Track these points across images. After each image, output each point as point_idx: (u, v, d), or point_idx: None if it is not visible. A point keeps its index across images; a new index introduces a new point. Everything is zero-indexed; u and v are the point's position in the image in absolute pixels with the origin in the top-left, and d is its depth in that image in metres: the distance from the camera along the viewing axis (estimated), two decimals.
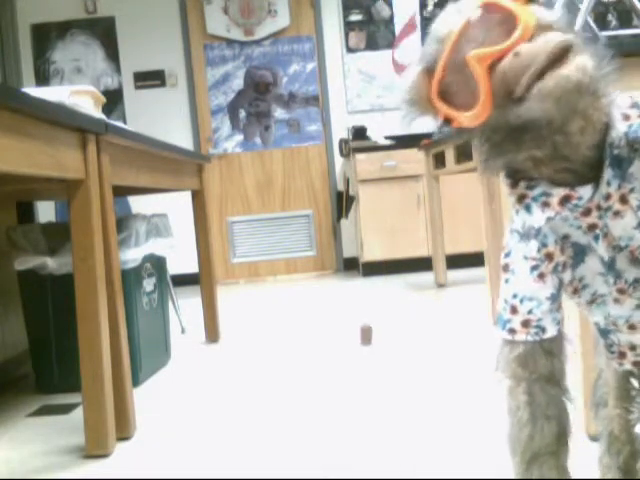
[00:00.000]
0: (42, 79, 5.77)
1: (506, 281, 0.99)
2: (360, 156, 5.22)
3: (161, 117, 5.81)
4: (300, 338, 3.10)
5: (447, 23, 0.87)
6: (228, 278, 5.87)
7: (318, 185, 5.88)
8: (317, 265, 5.91)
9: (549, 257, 0.95)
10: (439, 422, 1.79)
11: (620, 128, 0.86)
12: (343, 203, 5.50)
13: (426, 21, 5.76)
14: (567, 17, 0.85)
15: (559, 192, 0.89)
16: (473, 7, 0.86)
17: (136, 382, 2.43)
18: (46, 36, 5.76)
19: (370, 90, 5.79)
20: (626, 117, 0.87)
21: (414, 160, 5.15)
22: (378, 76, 5.79)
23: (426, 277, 4.92)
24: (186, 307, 4.33)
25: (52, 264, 2.33)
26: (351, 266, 5.88)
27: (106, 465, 1.70)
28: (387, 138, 5.43)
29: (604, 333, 1.05)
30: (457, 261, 5.06)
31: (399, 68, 5.78)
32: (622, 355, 1.05)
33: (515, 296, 0.97)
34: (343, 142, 5.56)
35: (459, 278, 4.67)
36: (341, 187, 5.75)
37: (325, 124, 5.83)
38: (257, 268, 5.89)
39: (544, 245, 0.95)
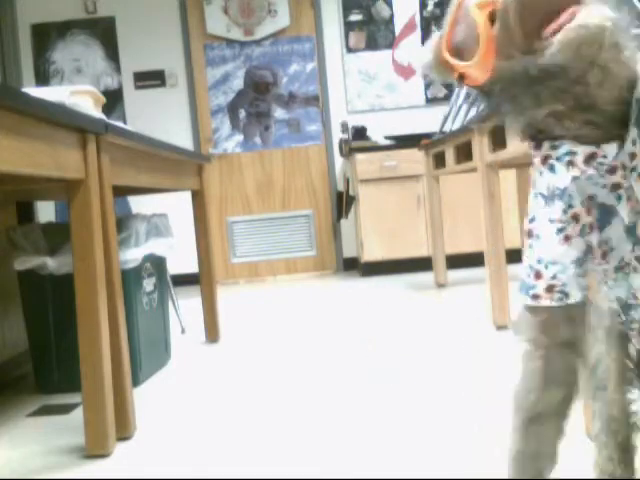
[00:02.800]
0: (42, 79, 5.77)
1: (530, 246, 0.97)
2: (360, 156, 5.22)
3: (161, 117, 5.81)
4: (300, 338, 3.10)
5: None
6: (228, 278, 5.87)
7: (318, 185, 5.88)
8: (317, 265, 5.91)
9: (575, 218, 0.92)
10: (439, 423, 1.79)
11: None
12: (343, 203, 5.50)
13: (426, 21, 5.76)
14: None
15: (584, 150, 0.87)
16: None
17: (136, 382, 2.43)
18: (46, 36, 5.76)
19: (370, 90, 5.79)
20: None
21: (414, 160, 5.15)
22: (378, 76, 5.79)
23: (426, 277, 4.92)
24: (186, 307, 4.33)
25: (52, 264, 2.33)
26: (351, 266, 5.88)
27: (106, 465, 1.70)
28: (387, 138, 5.43)
29: (625, 309, 1.03)
30: (457, 261, 5.06)
31: (399, 68, 5.78)
32: None
33: (540, 261, 0.95)
34: (343, 142, 5.56)
35: (459, 278, 4.67)
36: (341, 187, 5.75)
37: (325, 124, 5.83)
38: (257, 268, 5.89)
39: (570, 206, 0.92)
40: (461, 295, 3.93)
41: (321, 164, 5.87)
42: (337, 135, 5.80)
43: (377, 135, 5.71)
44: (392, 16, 5.77)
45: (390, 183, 5.23)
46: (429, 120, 5.68)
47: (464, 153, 3.41)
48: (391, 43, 5.78)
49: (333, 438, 1.74)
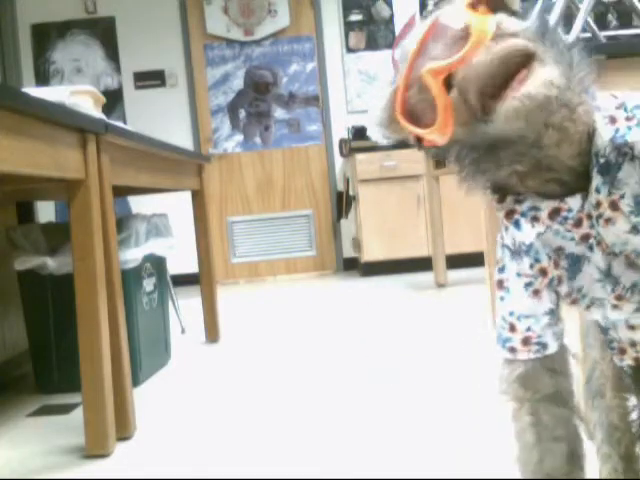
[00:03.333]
0: (42, 79, 5.77)
1: (501, 299, 0.96)
2: (360, 156, 5.22)
3: (161, 117, 5.81)
4: (300, 338, 3.10)
5: (411, 40, 0.86)
6: (228, 278, 5.87)
7: (318, 185, 5.88)
8: (317, 265, 5.91)
9: (543, 273, 0.92)
10: (439, 423, 1.79)
11: (605, 135, 0.82)
12: (343, 203, 5.50)
13: None
14: (541, 25, 0.82)
15: (548, 205, 0.87)
16: (428, 23, 0.85)
17: (136, 382, 2.43)
18: (46, 36, 5.76)
19: (370, 90, 5.79)
20: (612, 120, 0.83)
21: (414, 160, 5.15)
22: (378, 76, 5.79)
23: (426, 277, 4.92)
24: (186, 307, 4.33)
25: (52, 264, 2.33)
26: (351, 266, 5.88)
27: (106, 465, 1.70)
28: (387, 138, 5.43)
29: (604, 330, 1.03)
30: (457, 261, 5.06)
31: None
32: (622, 351, 1.03)
33: (512, 314, 0.94)
34: (343, 141, 5.56)
35: (459, 278, 4.67)
36: (341, 187, 5.75)
37: (325, 124, 5.83)
38: (257, 268, 5.89)
39: (537, 261, 0.92)
40: (461, 295, 3.93)
41: (321, 164, 5.87)
42: (337, 135, 5.80)
43: (377, 135, 5.70)
44: (392, 16, 5.77)
45: (390, 183, 5.23)
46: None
47: None
48: (391, 43, 5.78)
49: (333, 438, 1.74)
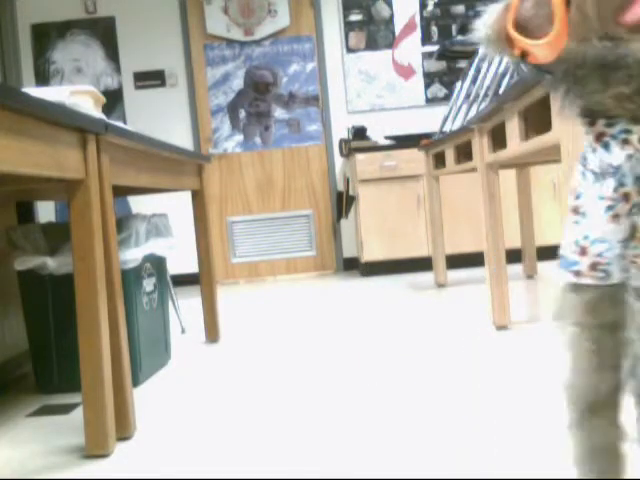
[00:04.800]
0: (42, 79, 5.77)
1: (576, 222, 0.96)
2: (360, 156, 5.22)
3: (161, 117, 5.81)
4: (300, 338, 3.10)
5: None
6: (228, 278, 5.87)
7: (318, 185, 5.88)
8: (317, 265, 5.91)
9: (626, 197, 0.92)
10: (438, 423, 1.79)
11: None
12: (343, 203, 5.50)
13: (426, 21, 5.76)
14: None
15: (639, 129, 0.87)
16: None
17: (136, 382, 2.43)
18: (46, 36, 5.76)
19: (370, 90, 5.79)
20: None
21: (414, 160, 5.15)
22: (378, 76, 5.79)
23: (426, 277, 4.92)
24: (186, 307, 4.33)
25: (52, 264, 2.33)
26: (351, 266, 5.88)
27: (106, 465, 1.70)
28: (387, 138, 5.43)
29: None
30: (457, 261, 5.06)
31: (399, 68, 5.78)
32: None
33: (586, 237, 0.94)
34: (343, 141, 5.56)
35: (459, 278, 4.67)
36: (341, 187, 5.75)
37: (325, 124, 5.83)
38: (257, 268, 5.89)
39: (621, 185, 0.92)
40: (461, 295, 3.93)
41: (321, 164, 5.87)
42: (337, 135, 5.80)
43: (377, 135, 5.71)
44: (392, 16, 5.77)
45: (390, 183, 5.23)
46: (429, 120, 5.68)
47: (464, 153, 3.41)
48: (391, 43, 5.78)
49: (333, 438, 1.74)
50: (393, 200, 5.24)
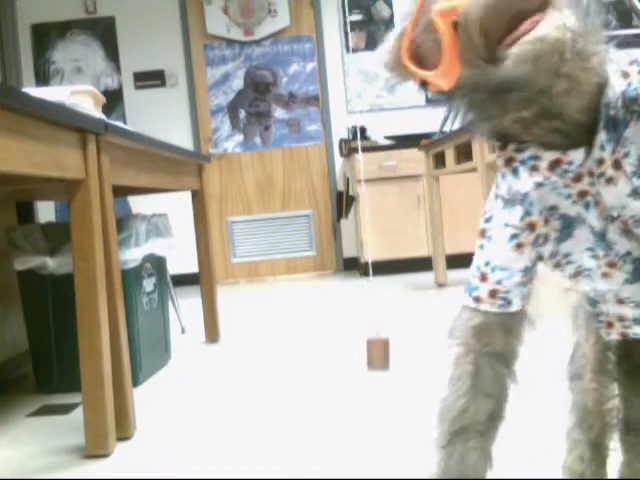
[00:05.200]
0: (42, 79, 5.77)
1: (481, 247, 0.95)
2: (360, 156, 5.22)
3: (161, 117, 5.81)
4: (300, 338, 3.10)
5: None
6: (228, 278, 5.87)
7: (318, 185, 5.88)
8: (317, 265, 5.91)
9: (531, 227, 0.91)
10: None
11: (617, 87, 0.80)
12: (343, 203, 5.50)
13: None
14: None
15: (549, 156, 0.85)
16: None
17: (136, 382, 2.44)
18: (46, 36, 5.76)
19: (370, 90, 5.79)
20: (625, 75, 0.81)
21: (414, 160, 5.15)
22: (378, 76, 5.79)
23: (426, 277, 4.92)
24: (186, 307, 4.33)
25: (52, 264, 2.33)
26: (351, 266, 5.88)
27: (106, 465, 1.70)
28: (387, 138, 5.43)
29: (592, 302, 1.01)
30: (457, 261, 5.06)
31: None
32: (610, 325, 1.02)
33: (487, 264, 0.94)
34: (343, 141, 5.56)
35: (459, 278, 4.67)
36: (341, 187, 5.75)
37: (325, 124, 5.83)
38: (257, 268, 5.89)
39: (528, 214, 0.90)
40: (461, 295, 3.92)
41: (321, 164, 5.87)
42: (337, 135, 5.80)
43: (377, 135, 5.71)
44: (392, 16, 5.77)
45: (390, 183, 5.23)
46: (429, 120, 5.68)
47: (464, 153, 3.41)
48: None
49: (332, 438, 1.74)
50: (393, 200, 5.24)
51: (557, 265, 0.94)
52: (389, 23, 5.77)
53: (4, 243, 2.49)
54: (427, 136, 4.85)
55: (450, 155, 3.64)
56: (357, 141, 5.39)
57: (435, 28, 0.80)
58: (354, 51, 5.79)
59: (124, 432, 1.87)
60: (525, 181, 0.88)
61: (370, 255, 5.13)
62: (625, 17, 5.61)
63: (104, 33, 5.77)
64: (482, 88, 0.80)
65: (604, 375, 1.09)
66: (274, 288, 5.21)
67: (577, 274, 0.94)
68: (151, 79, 5.79)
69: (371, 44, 5.79)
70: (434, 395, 2.07)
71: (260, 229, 5.87)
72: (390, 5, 5.77)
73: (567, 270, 0.94)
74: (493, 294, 0.93)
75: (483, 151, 2.86)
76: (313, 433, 1.80)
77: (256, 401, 2.15)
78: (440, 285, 4.36)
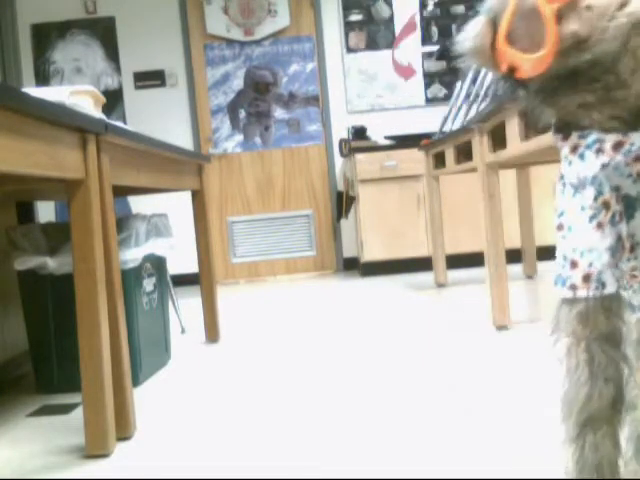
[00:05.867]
0: (42, 79, 5.77)
1: (563, 237, 0.98)
2: (360, 156, 5.22)
3: (161, 117, 5.81)
4: (300, 338, 3.10)
5: None
6: (228, 278, 5.87)
7: (318, 185, 5.88)
8: (317, 265, 5.91)
9: (606, 205, 0.94)
10: (438, 423, 1.79)
11: None
12: (343, 203, 5.50)
13: (426, 21, 5.76)
14: None
15: (612, 138, 0.90)
16: None
17: (136, 382, 2.43)
18: (46, 36, 5.76)
19: (370, 90, 5.79)
20: None
21: (414, 160, 5.15)
22: (378, 76, 5.79)
23: (426, 277, 4.92)
24: (186, 307, 4.33)
25: (52, 264, 2.33)
26: (351, 266, 5.88)
27: (106, 465, 1.70)
28: (387, 138, 5.43)
29: None
30: (457, 261, 5.06)
31: (399, 68, 5.78)
32: None
33: (574, 250, 0.96)
34: (343, 141, 5.56)
35: (459, 278, 4.67)
36: (341, 187, 5.75)
37: (325, 124, 5.83)
38: (257, 268, 5.89)
39: (600, 193, 0.94)
40: (461, 295, 3.93)
41: (321, 164, 5.87)
42: (337, 135, 5.80)
43: (377, 135, 5.71)
44: (392, 16, 5.77)
45: (390, 183, 5.23)
46: (429, 120, 5.68)
47: (464, 153, 3.41)
48: (391, 43, 5.78)
49: (333, 438, 1.74)
50: (393, 200, 5.24)
51: (632, 249, 0.96)
52: (389, 23, 5.77)
53: (4, 243, 2.49)
54: (427, 136, 4.85)
55: (450, 155, 3.64)
56: (357, 141, 5.40)
57: (537, 17, 0.83)
58: (354, 51, 5.79)
59: (124, 432, 1.87)
60: (592, 163, 0.93)
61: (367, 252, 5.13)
62: None
63: (104, 33, 5.77)
64: (559, 74, 0.85)
65: None
66: (274, 288, 5.21)
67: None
68: (151, 79, 5.79)
69: (371, 44, 5.78)
70: (434, 395, 2.07)
71: (260, 229, 5.87)
72: (390, 5, 5.77)
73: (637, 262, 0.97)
74: (587, 278, 0.95)
75: (483, 151, 2.86)
76: (313, 433, 1.80)
77: (256, 401, 2.15)
78: (440, 285, 4.36)
